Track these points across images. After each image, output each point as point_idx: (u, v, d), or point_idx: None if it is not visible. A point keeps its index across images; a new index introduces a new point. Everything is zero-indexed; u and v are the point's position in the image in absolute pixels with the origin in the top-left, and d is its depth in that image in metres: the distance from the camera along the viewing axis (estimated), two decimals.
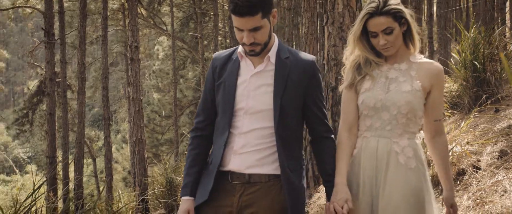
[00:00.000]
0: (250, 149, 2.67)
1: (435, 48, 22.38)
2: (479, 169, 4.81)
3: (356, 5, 3.95)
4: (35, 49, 26.01)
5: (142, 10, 26.70)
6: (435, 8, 29.18)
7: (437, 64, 2.75)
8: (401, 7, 2.67)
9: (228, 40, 30.05)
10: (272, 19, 2.64)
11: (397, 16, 2.64)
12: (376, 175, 2.68)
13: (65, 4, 21.68)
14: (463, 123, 5.69)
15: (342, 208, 2.59)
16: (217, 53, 2.89)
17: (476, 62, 7.26)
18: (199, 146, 2.85)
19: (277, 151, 2.66)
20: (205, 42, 29.90)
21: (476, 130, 5.89)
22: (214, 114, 2.83)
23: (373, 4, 2.67)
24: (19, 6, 20.84)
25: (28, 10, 22.54)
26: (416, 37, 2.75)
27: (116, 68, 44.36)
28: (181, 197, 2.80)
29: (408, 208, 2.60)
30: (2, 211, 3.98)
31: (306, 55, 2.79)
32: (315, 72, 2.75)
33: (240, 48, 2.75)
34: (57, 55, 19.64)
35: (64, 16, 18.79)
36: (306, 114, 2.78)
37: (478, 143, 5.31)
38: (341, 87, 2.90)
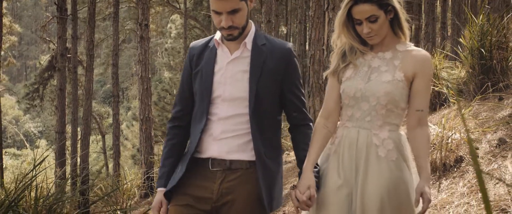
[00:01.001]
0: (230, 134, 2.64)
1: (448, 34, 22.23)
2: (477, 156, 4.83)
3: None
4: (48, 24, 26.10)
5: None
6: None
7: (424, 52, 2.63)
8: None
9: None
10: (249, 3, 2.61)
11: (382, 3, 2.53)
12: (357, 167, 2.60)
13: None
14: (463, 110, 5.69)
15: (303, 194, 2.55)
16: (194, 42, 2.85)
17: (482, 50, 7.23)
18: (176, 136, 2.83)
19: (252, 138, 2.62)
20: None
21: (478, 118, 5.89)
22: (191, 104, 2.80)
23: None
24: None
25: None
26: (405, 25, 2.64)
27: (128, 45, 44.48)
28: (156, 188, 2.79)
29: (390, 201, 2.52)
30: (3, 186, 4.04)
31: (283, 42, 2.75)
32: (291, 59, 2.71)
33: (217, 35, 2.72)
34: (69, 31, 19.73)
35: None
36: (283, 101, 2.74)
37: (478, 131, 5.32)
38: (325, 73, 2.83)
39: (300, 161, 2.74)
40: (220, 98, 2.64)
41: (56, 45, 19.77)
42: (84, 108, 14.62)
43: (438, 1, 27.95)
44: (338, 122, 2.79)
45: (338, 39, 2.75)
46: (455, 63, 9.28)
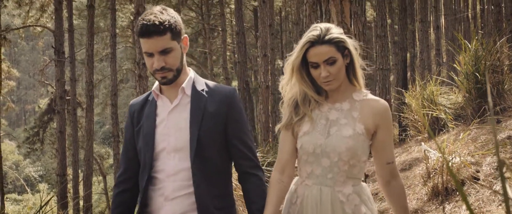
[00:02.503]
0: (183, 192, 2.45)
1: (444, 60, 22.44)
2: (478, 179, 4.87)
3: (350, 21, 4.04)
4: (46, 68, 26.30)
5: None
6: (442, 20, 29.25)
7: (383, 102, 2.51)
8: (344, 36, 2.45)
9: (236, 55, 30.23)
10: (183, 45, 2.51)
11: (340, 46, 2.41)
12: None
13: (75, 22, 21.96)
14: (462, 134, 5.75)
15: None
16: (133, 100, 2.71)
17: (477, 74, 7.32)
18: (121, 205, 2.60)
19: (195, 190, 2.42)
20: (214, 58, 30.14)
21: (477, 141, 5.94)
22: (137, 165, 2.59)
23: (315, 32, 2.43)
24: (30, 25, 21.17)
25: (39, 29, 22.84)
26: (359, 73, 2.51)
27: (126, 85, 44.63)
28: None
29: None
30: None
31: (225, 86, 2.62)
32: (234, 102, 2.56)
33: (154, 87, 2.58)
34: (67, 73, 19.89)
35: (73, 34, 19.07)
36: (229, 148, 2.56)
37: (478, 154, 5.36)
38: (277, 127, 2.66)
39: None
40: (165, 152, 2.48)
41: (54, 88, 19.92)
42: (86, 149, 14.67)
43: (431, 29, 28.27)
44: (295, 177, 2.64)
45: (287, 86, 2.60)
46: (452, 88, 9.37)
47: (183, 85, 2.52)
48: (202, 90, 2.55)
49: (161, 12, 2.40)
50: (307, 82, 2.52)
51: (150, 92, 2.63)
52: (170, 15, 2.42)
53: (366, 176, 4.30)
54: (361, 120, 2.44)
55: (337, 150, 2.41)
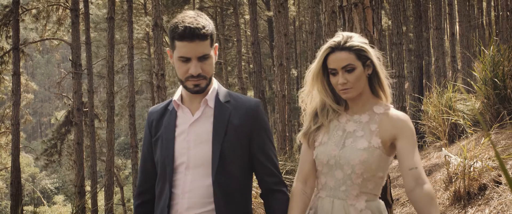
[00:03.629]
0: (197, 211, 2.32)
1: (458, 67, 22.40)
2: (500, 183, 4.90)
3: (373, 29, 4.11)
4: (62, 80, 26.59)
5: (167, 38, 27.22)
6: (457, 26, 29.20)
7: (403, 114, 2.40)
8: (367, 46, 2.39)
9: (251, 66, 30.37)
10: (214, 53, 2.40)
11: (361, 55, 2.36)
12: None
13: (92, 35, 22.22)
14: (483, 139, 5.78)
15: None
16: (152, 107, 2.59)
17: (496, 80, 7.35)
18: None
19: (215, 207, 2.31)
20: (229, 68, 30.28)
21: (497, 146, 5.97)
22: (155, 175, 2.48)
23: (336, 39, 2.40)
24: (47, 39, 21.46)
25: (56, 42, 23.14)
26: (385, 83, 2.44)
27: (141, 96, 44.97)
28: None
29: None
30: None
31: (249, 98, 2.49)
32: (259, 115, 2.44)
33: (176, 96, 2.47)
34: (84, 85, 20.11)
35: (91, 47, 19.28)
36: (253, 163, 2.45)
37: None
38: (297, 136, 2.61)
39: None
40: (183, 166, 2.35)
41: (72, 100, 20.14)
42: (107, 159, 14.81)
43: (446, 36, 28.24)
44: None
45: (308, 98, 2.56)
46: (469, 95, 9.41)
47: (207, 97, 2.40)
48: (226, 102, 2.42)
49: (200, 17, 2.30)
50: (327, 90, 2.48)
51: (170, 101, 2.51)
52: (208, 21, 2.33)
53: (392, 201, 4.28)
54: (378, 134, 2.36)
55: (351, 162, 2.34)
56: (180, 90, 2.48)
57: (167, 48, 2.40)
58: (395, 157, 2.44)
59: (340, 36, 2.40)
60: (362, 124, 2.41)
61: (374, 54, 2.39)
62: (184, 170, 2.34)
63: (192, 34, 2.23)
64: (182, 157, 2.34)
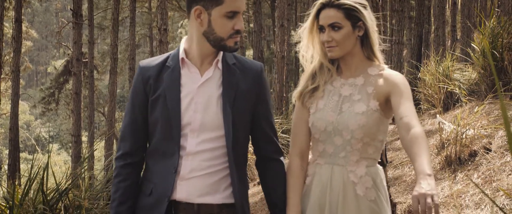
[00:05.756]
0: (200, 172, 2.25)
1: (458, 37, 22.48)
2: (490, 150, 5.12)
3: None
4: (61, 29, 26.56)
5: None
6: None
7: (399, 74, 2.36)
8: (360, 6, 2.32)
9: (251, 25, 30.31)
10: None
11: (352, 14, 2.30)
12: (330, 209, 2.33)
13: None
14: (476, 108, 5.99)
15: None
16: (145, 61, 2.38)
17: (494, 51, 7.50)
18: (130, 176, 2.32)
19: (230, 175, 2.28)
20: None
21: (490, 116, 6.17)
22: (145, 136, 2.35)
23: None
24: None
25: None
26: (376, 47, 2.39)
27: (139, 50, 44.94)
28: None
29: None
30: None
31: (254, 62, 2.42)
32: (264, 80, 2.38)
33: (180, 53, 2.31)
34: (84, 36, 20.12)
35: None
36: (254, 129, 2.39)
37: (490, 127, 5.60)
38: (292, 95, 2.55)
39: (273, 205, 2.43)
40: (189, 128, 2.25)
41: (71, 50, 20.21)
42: (108, 109, 15.01)
43: (448, 5, 28.20)
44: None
45: (307, 53, 2.48)
46: (466, 64, 9.57)
47: (218, 57, 2.29)
48: (233, 64, 2.32)
49: None
50: (320, 46, 2.40)
51: (167, 57, 2.34)
52: None
53: (386, 162, 4.45)
54: (375, 96, 2.30)
55: (350, 127, 2.28)
56: (182, 46, 2.33)
57: (197, 6, 2.21)
58: (393, 120, 2.40)
59: None
60: (358, 87, 2.35)
61: (367, 16, 2.32)
62: (189, 132, 2.24)
63: None
64: (186, 119, 2.24)
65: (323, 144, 2.36)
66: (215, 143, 2.25)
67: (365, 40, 2.36)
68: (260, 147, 2.43)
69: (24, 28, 22.84)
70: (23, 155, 50.22)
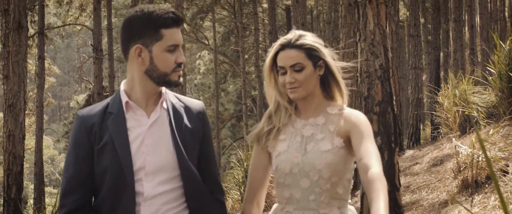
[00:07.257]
0: None
1: (479, 60, 22.40)
2: (507, 173, 5.11)
3: (386, 23, 4.32)
4: (83, 65, 27.03)
5: (185, 26, 27.45)
6: (477, 19, 29.06)
7: (359, 113, 2.31)
8: (319, 46, 2.28)
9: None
10: None
11: (312, 54, 2.25)
12: None
13: (112, 21, 22.57)
14: (491, 130, 5.98)
15: None
16: (83, 111, 2.27)
17: (511, 74, 7.48)
18: None
19: (190, 211, 2.24)
20: (246, 56, 30.46)
21: (508, 139, 6.16)
22: (92, 190, 2.21)
23: (288, 36, 2.30)
24: (70, 24, 21.86)
25: (78, 27, 23.53)
26: (342, 83, 2.33)
27: None
28: None
29: None
30: None
31: (196, 101, 2.38)
32: (207, 118, 2.37)
33: (123, 97, 2.22)
34: (104, 70, 20.45)
35: (112, 33, 19.62)
36: (199, 168, 2.28)
37: (508, 150, 5.59)
38: (248, 136, 2.49)
39: None
40: (142, 173, 2.16)
41: (93, 84, 20.53)
42: None
43: (466, 28, 28.15)
44: (274, 204, 2.41)
45: (268, 96, 2.42)
46: (485, 88, 9.54)
47: (163, 97, 2.24)
48: (177, 103, 2.28)
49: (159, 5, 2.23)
50: (278, 88, 2.34)
51: (107, 104, 2.24)
52: None
53: (399, 186, 4.45)
54: (338, 133, 2.24)
55: (317, 167, 2.19)
56: (123, 91, 2.24)
57: (136, 45, 2.16)
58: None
59: (292, 34, 2.30)
60: (319, 126, 2.29)
61: (328, 54, 2.28)
62: (144, 176, 2.16)
63: (179, 19, 2.17)
64: (142, 163, 2.16)
65: (289, 188, 2.25)
66: (172, 184, 2.20)
67: (326, 79, 2.32)
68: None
69: (46, 65, 23.31)
70: (48, 189, 50.67)
